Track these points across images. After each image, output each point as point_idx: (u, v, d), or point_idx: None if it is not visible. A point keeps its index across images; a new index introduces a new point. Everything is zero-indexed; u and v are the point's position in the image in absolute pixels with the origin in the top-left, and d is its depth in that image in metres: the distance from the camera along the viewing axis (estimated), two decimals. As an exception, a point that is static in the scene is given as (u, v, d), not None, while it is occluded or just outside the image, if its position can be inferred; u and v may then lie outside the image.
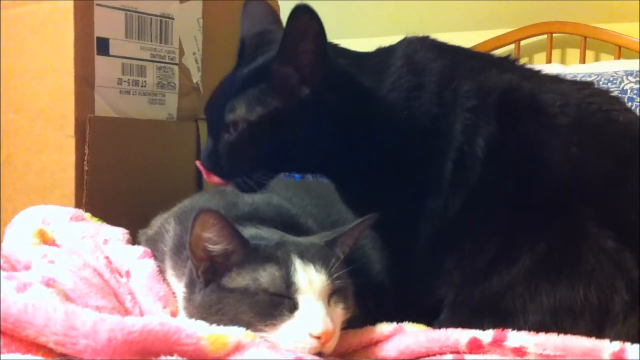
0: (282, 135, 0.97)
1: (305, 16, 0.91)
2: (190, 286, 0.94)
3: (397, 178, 1.00)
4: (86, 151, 1.27)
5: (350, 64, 1.03)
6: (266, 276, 0.87)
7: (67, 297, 0.85)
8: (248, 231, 0.97)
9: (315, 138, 0.98)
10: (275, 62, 0.96)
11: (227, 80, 1.03)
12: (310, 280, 0.87)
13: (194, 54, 1.51)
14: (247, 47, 1.06)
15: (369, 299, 1.02)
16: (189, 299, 0.94)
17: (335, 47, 1.05)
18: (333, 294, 0.90)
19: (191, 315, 0.90)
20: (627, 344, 0.82)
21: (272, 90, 0.97)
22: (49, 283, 0.83)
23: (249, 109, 0.97)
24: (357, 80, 1.01)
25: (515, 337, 0.86)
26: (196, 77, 1.52)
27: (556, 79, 1.08)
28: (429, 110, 0.99)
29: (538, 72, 1.09)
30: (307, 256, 0.90)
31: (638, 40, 2.36)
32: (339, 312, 0.91)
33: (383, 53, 1.07)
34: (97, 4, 1.31)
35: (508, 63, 1.10)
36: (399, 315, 0.97)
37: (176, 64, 1.47)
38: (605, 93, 1.07)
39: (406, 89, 1.01)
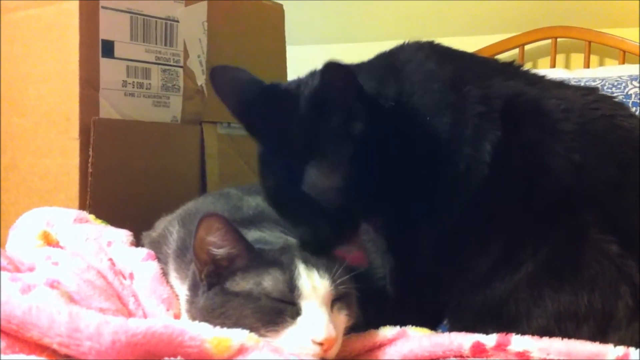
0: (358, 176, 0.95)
1: (339, 73, 0.89)
2: (194, 289, 0.94)
3: (406, 183, 1.00)
4: (90, 153, 1.27)
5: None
6: (270, 280, 0.87)
7: (71, 299, 0.85)
8: (252, 234, 0.97)
9: (371, 165, 0.97)
10: (316, 120, 0.93)
11: (272, 165, 0.98)
12: (314, 286, 0.87)
13: (199, 56, 1.51)
14: (249, 113, 1.01)
15: (371, 304, 1.02)
16: (192, 301, 0.94)
17: None
18: (336, 300, 0.90)
19: (194, 317, 0.91)
20: (632, 349, 0.82)
21: (333, 147, 0.93)
22: (53, 285, 0.83)
23: (329, 176, 0.93)
24: (379, 99, 0.99)
25: (519, 342, 0.86)
26: (201, 79, 1.52)
27: (561, 85, 1.08)
28: (443, 116, 0.99)
29: (542, 77, 1.09)
30: (311, 261, 0.90)
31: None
32: (342, 318, 0.91)
33: (386, 62, 1.06)
34: (103, 7, 1.31)
35: (513, 69, 1.10)
36: (401, 320, 0.97)
37: (181, 67, 1.47)
38: (610, 98, 1.07)
39: (420, 95, 1.00)
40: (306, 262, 0.89)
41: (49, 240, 1.09)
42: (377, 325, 0.97)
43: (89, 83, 1.30)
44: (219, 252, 0.90)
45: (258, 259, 0.90)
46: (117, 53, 1.35)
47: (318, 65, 0.98)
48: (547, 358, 0.84)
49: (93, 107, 1.30)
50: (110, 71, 1.33)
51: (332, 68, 0.89)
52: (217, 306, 0.88)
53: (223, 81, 1.03)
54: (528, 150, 0.97)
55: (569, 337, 0.87)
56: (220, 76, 1.03)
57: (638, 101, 2.05)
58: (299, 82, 1.00)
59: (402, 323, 0.97)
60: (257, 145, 1.01)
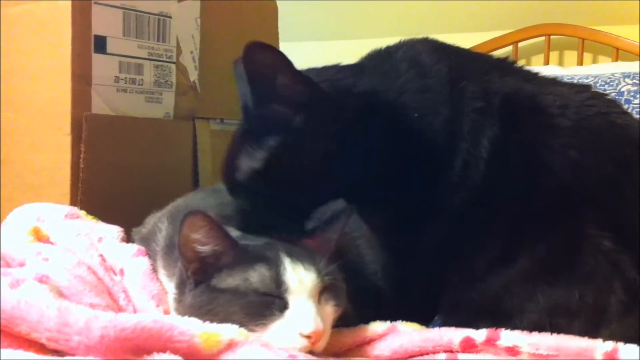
0: (295, 167, 0.96)
1: (261, 52, 0.91)
2: (181, 287, 0.94)
3: (405, 180, 1.00)
4: (82, 149, 1.27)
5: (344, 74, 1.02)
6: (256, 276, 0.87)
7: (60, 294, 0.85)
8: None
9: (329, 158, 0.97)
10: (257, 105, 0.96)
11: (231, 143, 1.03)
12: (300, 280, 0.87)
13: (192, 52, 1.51)
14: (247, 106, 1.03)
15: (364, 299, 1.02)
16: (179, 299, 0.93)
17: (326, 67, 1.05)
18: (324, 291, 0.90)
19: (182, 315, 0.90)
20: (620, 344, 0.82)
21: (267, 131, 0.95)
22: (42, 279, 0.83)
23: (251, 158, 0.95)
24: (356, 89, 1.00)
25: (508, 337, 0.86)
26: (193, 76, 1.52)
27: (555, 82, 1.09)
28: (439, 112, 0.99)
29: (537, 74, 1.09)
30: (295, 255, 0.90)
31: (636, 43, 2.38)
32: (330, 309, 0.90)
33: (381, 57, 1.07)
34: (95, 3, 1.30)
35: (508, 65, 1.10)
36: (392, 315, 0.97)
37: (173, 63, 1.47)
38: (603, 96, 1.07)
39: (415, 91, 1.00)
40: (291, 256, 0.89)
41: (39, 236, 1.09)
42: (368, 320, 0.97)
43: (82, 78, 1.29)
44: (204, 249, 0.89)
45: (243, 255, 0.90)
46: (109, 49, 1.34)
47: (311, 62, 0.98)
48: (537, 353, 0.84)
49: (85, 102, 1.30)
50: (102, 67, 1.33)
51: (253, 49, 0.91)
52: (205, 303, 0.88)
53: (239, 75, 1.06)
54: (526, 146, 0.97)
55: (562, 332, 0.87)
56: (239, 70, 1.06)
57: (631, 98, 2.06)
58: None
59: (394, 318, 0.97)
60: None
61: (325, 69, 1.05)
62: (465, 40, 2.45)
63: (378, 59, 1.07)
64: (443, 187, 0.98)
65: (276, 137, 0.95)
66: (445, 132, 0.98)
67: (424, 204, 0.99)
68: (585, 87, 1.08)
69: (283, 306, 0.86)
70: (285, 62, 0.93)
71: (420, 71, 1.02)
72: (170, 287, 0.99)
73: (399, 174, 0.99)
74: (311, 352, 0.84)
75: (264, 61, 0.92)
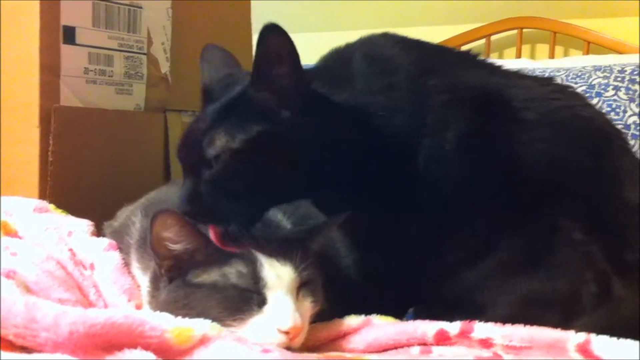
0: (269, 160, 0.92)
1: (276, 36, 0.87)
2: (155, 282, 0.93)
3: (376, 178, 0.99)
4: (51, 142, 1.24)
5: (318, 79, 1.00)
6: (234, 272, 0.87)
7: (28, 290, 0.84)
8: None
9: (302, 158, 0.94)
10: (251, 88, 0.92)
11: (198, 120, 0.97)
12: (278, 275, 0.87)
13: (163, 44, 1.49)
14: (212, 90, 1.00)
15: (337, 293, 1.02)
16: (153, 294, 0.93)
17: None
18: (302, 287, 0.90)
19: (155, 310, 0.89)
20: (592, 335, 0.82)
21: (252, 116, 0.91)
22: (9, 275, 0.82)
23: (230, 137, 0.90)
24: (329, 96, 0.98)
25: (482, 329, 0.87)
26: (165, 67, 1.50)
27: (519, 75, 1.09)
28: (404, 109, 0.98)
29: (500, 67, 1.09)
30: (269, 250, 0.89)
31: (607, 36, 2.42)
32: (308, 305, 0.90)
33: (341, 58, 1.05)
34: (64, -8, 1.28)
35: (471, 58, 1.10)
36: (367, 309, 0.97)
37: (144, 54, 1.45)
38: (567, 88, 1.08)
39: (377, 91, 0.99)
40: (264, 252, 0.89)
41: (7, 230, 1.07)
42: (342, 314, 0.97)
43: (50, 70, 1.27)
44: (176, 247, 0.89)
45: (218, 251, 0.89)
46: (78, 39, 1.32)
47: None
48: (510, 344, 0.84)
49: (54, 94, 1.27)
50: (71, 58, 1.30)
51: (270, 31, 0.87)
52: (181, 298, 0.87)
53: (208, 60, 1.05)
54: (494, 140, 0.97)
55: (535, 324, 0.87)
56: (208, 54, 1.05)
57: (602, 91, 2.08)
58: None
59: (368, 312, 0.97)
60: None
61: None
62: (438, 33, 2.47)
63: (338, 59, 1.05)
64: (410, 183, 0.98)
65: (262, 124, 0.91)
66: (411, 128, 0.98)
67: (393, 200, 0.99)
68: (549, 80, 1.09)
69: (261, 301, 0.86)
70: (295, 55, 0.90)
71: (381, 68, 1.01)
72: (144, 280, 0.98)
73: (364, 170, 0.98)
74: (288, 348, 0.83)
75: (277, 47, 0.88)
